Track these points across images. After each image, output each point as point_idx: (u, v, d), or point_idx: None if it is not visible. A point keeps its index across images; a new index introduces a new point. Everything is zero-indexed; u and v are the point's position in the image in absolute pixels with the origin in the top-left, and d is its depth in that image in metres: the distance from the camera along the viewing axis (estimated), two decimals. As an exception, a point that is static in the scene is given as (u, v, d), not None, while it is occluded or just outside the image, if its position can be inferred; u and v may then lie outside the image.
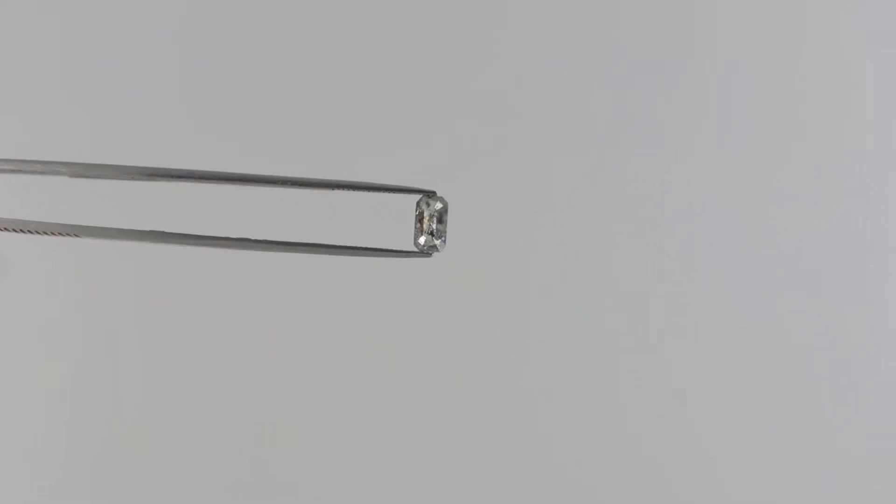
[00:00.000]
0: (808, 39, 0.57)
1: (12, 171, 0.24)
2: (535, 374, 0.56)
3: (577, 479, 0.55)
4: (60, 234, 0.24)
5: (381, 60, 0.57)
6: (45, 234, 0.24)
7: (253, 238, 0.25)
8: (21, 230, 0.24)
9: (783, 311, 0.56)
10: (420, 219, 0.25)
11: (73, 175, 0.24)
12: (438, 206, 0.25)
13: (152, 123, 0.56)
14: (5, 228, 0.24)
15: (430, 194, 0.25)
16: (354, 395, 0.55)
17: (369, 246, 0.25)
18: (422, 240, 0.25)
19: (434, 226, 0.25)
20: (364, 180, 0.25)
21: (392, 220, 0.28)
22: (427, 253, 0.25)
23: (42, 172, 0.24)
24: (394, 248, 0.25)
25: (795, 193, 0.56)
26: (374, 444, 0.55)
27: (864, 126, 0.57)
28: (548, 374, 0.56)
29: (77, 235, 0.24)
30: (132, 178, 0.25)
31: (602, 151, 0.57)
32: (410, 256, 0.25)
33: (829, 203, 0.56)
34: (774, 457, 0.55)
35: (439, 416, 0.55)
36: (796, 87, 0.57)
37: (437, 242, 0.25)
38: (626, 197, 0.56)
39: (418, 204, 0.25)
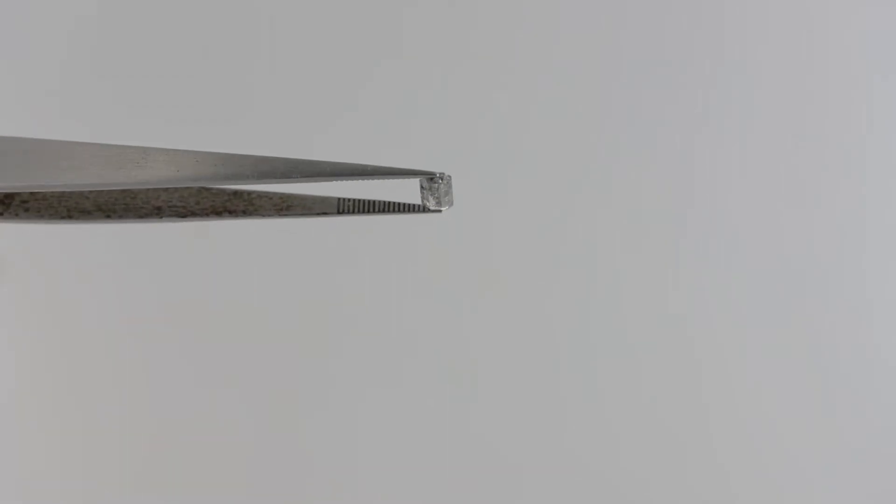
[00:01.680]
0: (809, 40, 0.57)
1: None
2: (535, 370, 0.56)
3: (579, 476, 0.55)
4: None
5: (381, 56, 0.57)
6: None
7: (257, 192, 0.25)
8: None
9: (788, 310, 0.56)
10: (425, 189, 0.25)
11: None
12: (442, 181, 0.25)
13: (142, 113, 0.56)
14: None
15: (431, 177, 0.25)
16: (350, 391, 0.55)
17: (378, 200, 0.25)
18: (429, 202, 0.25)
19: (441, 197, 0.25)
20: (364, 165, 0.25)
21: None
22: (438, 209, 0.25)
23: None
24: (403, 203, 0.25)
25: (798, 194, 0.56)
26: (373, 440, 0.55)
27: (866, 126, 0.57)
28: (545, 369, 0.56)
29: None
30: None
31: (604, 148, 0.57)
32: (421, 213, 0.25)
33: (831, 204, 0.56)
34: (782, 454, 0.55)
35: (433, 412, 0.55)
36: (801, 88, 0.57)
37: (445, 207, 0.25)
38: (630, 192, 0.56)
39: (420, 183, 0.25)
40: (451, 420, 0.55)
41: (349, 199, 0.25)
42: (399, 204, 0.25)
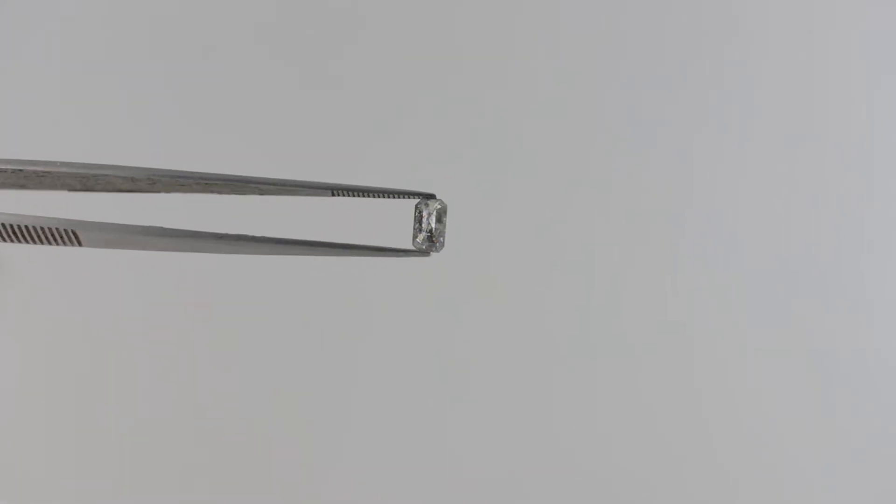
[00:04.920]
0: (809, 40, 0.57)
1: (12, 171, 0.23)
2: (534, 373, 0.56)
3: (580, 477, 0.55)
4: (59, 236, 0.24)
5: (381, 61, 0.57)
6: (43, 237, 0.24)
7: (250, 235, 0.25)
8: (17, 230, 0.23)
9: (789, 312, 0.56)
10: (419, 220, 0.25)
11: (73, 180, 0.24)
12: (437, 207, 0.25)
13: (142, 126, 0.56)
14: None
15: (429, 197, 0.25)
16: (352, 394, 0.55)
17: (366, 245, 0.25)
18: (420, 238, 0.25)
19: (433, 225, 0.25)
20: (362, 183, 0.25)
21: (389, 223, 0.28)
22: (425, 252, 0.25)
23: (43, 173, 0.24)
24: (391, 247, 0.25)
25: (798, 195, 0.56)
26: (371, 445, 0.55)
27: (866, 126, 0.57)
28: (547, 375, 0.56)
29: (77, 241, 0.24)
30: (132, 182, 0.24)
31: (603, 152, 0.57)
32: (409, 256, 0.25)
33: (833, 204, 0.56)
34: (782, 454, 0.55)
35: (435, 415, 0.55)
36: (801, 89, 0.57)
37: (436, 244, 0.25)
38: (629, 197, 0.56)
39: (417, 206, 0.25)
40: (451, 423, 0.55)
41: (336, 244, 0.25)
42: (388, 248, 0.25)
